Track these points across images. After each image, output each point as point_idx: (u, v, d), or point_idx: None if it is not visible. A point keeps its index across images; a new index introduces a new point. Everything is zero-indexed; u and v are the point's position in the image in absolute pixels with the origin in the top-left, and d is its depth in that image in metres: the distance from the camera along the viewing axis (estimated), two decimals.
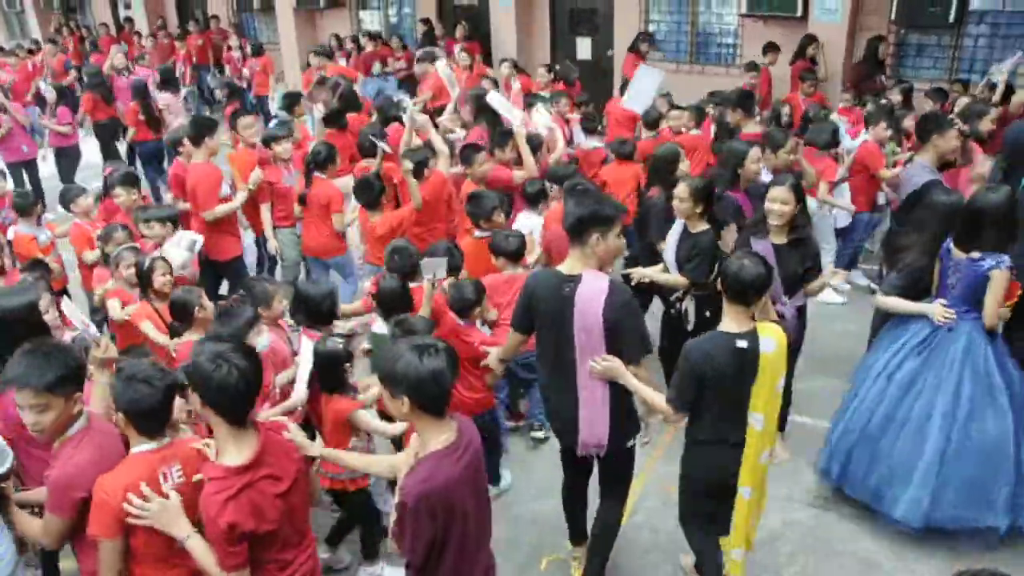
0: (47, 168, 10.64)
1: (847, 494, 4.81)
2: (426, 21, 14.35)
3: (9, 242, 6.36)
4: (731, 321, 3.57)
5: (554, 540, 4.70)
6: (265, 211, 7.02)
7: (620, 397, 3.74)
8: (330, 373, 4.08)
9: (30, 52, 16.16)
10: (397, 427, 4.09)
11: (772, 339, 3.53)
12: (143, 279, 4.97)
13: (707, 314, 4.87)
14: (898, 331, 4.72)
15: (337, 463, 3.60)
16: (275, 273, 7.62)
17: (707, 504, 3.89)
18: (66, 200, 6.68)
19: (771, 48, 10.47)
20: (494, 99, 7.17)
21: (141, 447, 2.92)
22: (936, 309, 4.47)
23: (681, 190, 5.05)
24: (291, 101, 8.86)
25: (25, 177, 10.22)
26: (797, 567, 4.51)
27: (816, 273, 4.83)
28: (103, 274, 5.61)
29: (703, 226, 5.07)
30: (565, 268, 3.73)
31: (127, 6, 19.50)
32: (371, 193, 6.28)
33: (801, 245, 4.75)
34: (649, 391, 3.72)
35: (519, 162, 6.66)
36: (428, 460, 2.78)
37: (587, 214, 3.62)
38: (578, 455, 3.93)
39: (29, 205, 6.55)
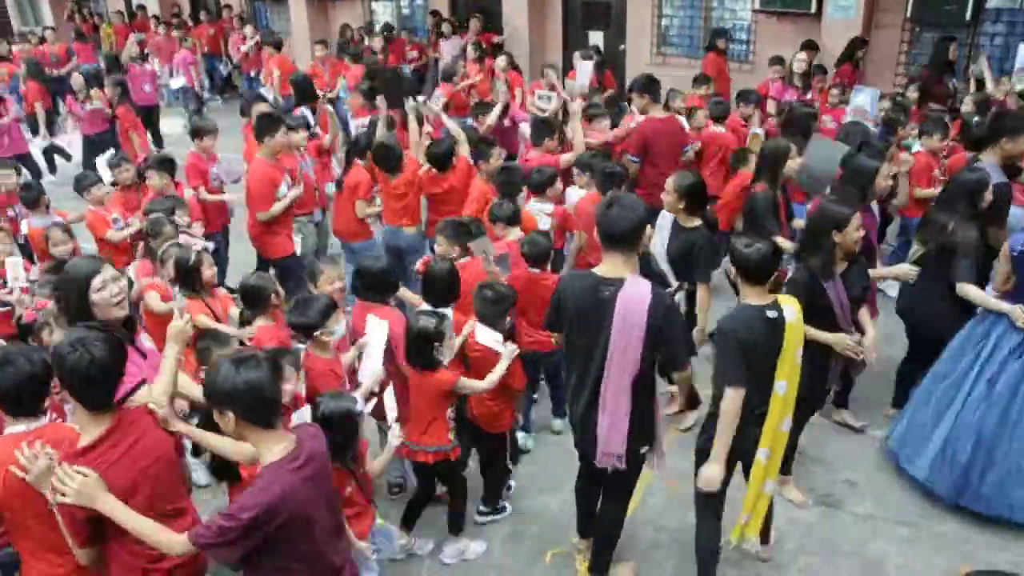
0: (74, 154, 10.68)
1: (964, 504, 4.70)
2: (435, 13, 14.32)
3: (26, 236, 6.45)
4: (754, 296, 3.71)
5: (560, 533, 4.71)
6: None
7: (641, 408, 3.69)
8: (424, 350, 4.11)
9: (41, 40, 16.27)
10: (495, 377, 4.20)
11: (792, 307, 3.69)
12: (188, 273, 4.88)
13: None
14: (986, 327, 4.69)
15: (198, 441, 3.50)
16: None
17: (727, 480, 3.87)
18: (81, 187, 6.69)
19: (808, 46, 10.02)
20: (540, 95, 7.35)
21: (12, 428, 3.02)
22: (1016, 313, 4.48)
23: (668, 183, 5.07)
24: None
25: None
26: (800, 566, 4.49)
27: (868, 289, 4.73)
28: (146, 267, 5.49)
29: (694, 222, 5.07)
30: (602, 271, 3.64)
31: None
32: (391, 159, 6.54)
33: (856, 265, 4.55)
34: (693, 413, 3.80)
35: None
36: (264, 473, 2.74)
37: (643, 218, 3.59)
38: (597, 465, 3.85)
39: (35, 197, 6.59)
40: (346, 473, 3.69)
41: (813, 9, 10.52)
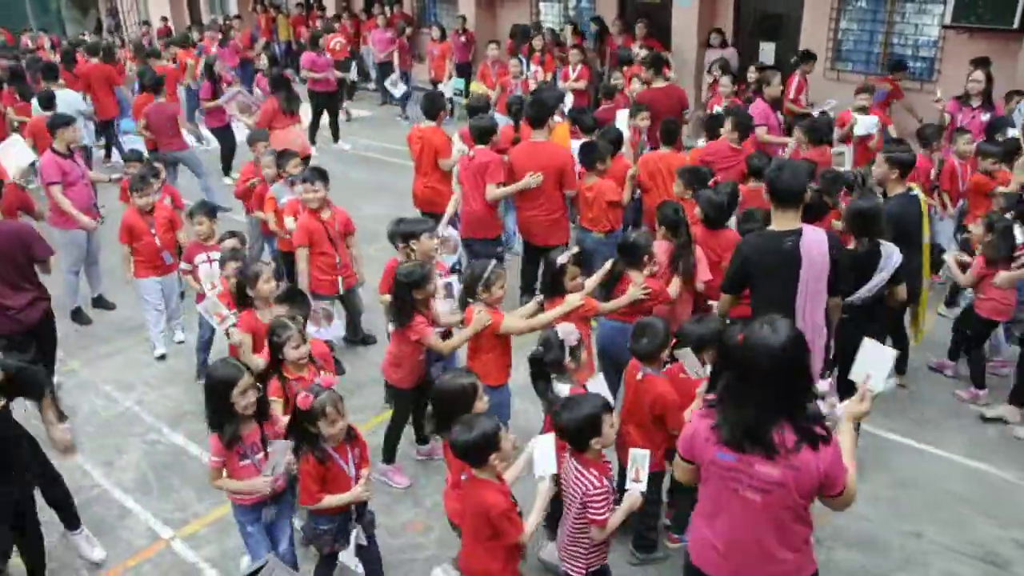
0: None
1: None
2: (598, 19, 14.12)
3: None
4: (900, 187, 5.43)
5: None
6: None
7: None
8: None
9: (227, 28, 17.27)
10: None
11: (919, 192, 5.47)
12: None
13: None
14: None
15: None
16: None
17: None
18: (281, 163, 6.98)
19: (980, 64, 8.97)
20: None
21: None
22: None
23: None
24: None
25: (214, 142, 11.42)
26: None
27: None
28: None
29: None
30: (778, 226, 4.29)
31: None
32: (593, 154, 6.67)
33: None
34: None
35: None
36: None
37: (807, 181, 4.48)
38: None
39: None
40: None
41: (1016, 24, 9.62)
